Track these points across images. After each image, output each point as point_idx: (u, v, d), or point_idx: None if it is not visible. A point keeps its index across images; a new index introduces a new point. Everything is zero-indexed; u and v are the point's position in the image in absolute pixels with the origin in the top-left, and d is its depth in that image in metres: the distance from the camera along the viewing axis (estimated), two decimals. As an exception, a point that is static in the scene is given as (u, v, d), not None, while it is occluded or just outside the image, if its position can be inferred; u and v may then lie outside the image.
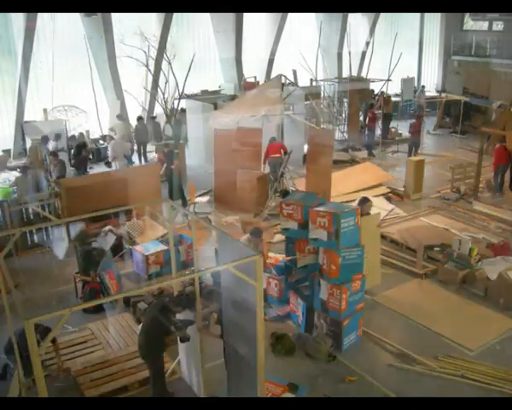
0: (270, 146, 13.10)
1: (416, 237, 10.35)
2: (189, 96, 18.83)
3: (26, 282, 9.23)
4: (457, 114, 20.57)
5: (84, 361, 7.15)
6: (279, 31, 21.48)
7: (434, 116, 22.75)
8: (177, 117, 17.58)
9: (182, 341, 5.84)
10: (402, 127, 20.14)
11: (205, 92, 19.81)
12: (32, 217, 10.90)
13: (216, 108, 16.52)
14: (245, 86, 20.03)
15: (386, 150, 18.30)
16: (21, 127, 16.48)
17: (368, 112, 19.16)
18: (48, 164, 13.22)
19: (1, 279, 5.75)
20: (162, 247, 9.79)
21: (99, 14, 17.36)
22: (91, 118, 18.31)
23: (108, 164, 15.75)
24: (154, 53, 18.07)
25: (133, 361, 7.08)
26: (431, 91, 26.75)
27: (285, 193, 9.14)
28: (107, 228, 10.32)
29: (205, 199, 12.85)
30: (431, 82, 27.96)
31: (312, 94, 17.59)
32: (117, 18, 17.95)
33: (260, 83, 20.29)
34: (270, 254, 9.47)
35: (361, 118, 19.99)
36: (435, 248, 10.09)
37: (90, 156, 17.27)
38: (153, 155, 17.28)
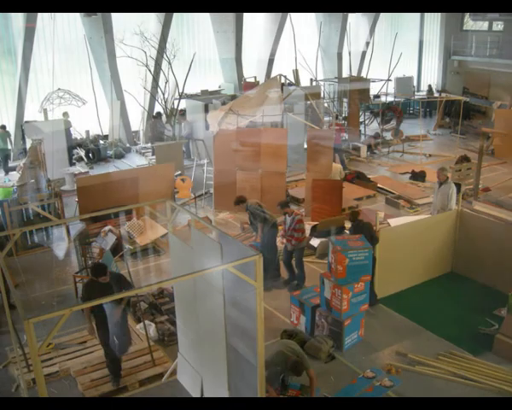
0: None
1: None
2: (188, 96, 18.83)
3: (26, 282, 9.24)
4: (457, 114, 20.56)
5: (84, 361, 7.15)
6: (279, 31, 21.48)
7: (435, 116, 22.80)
8: (176, 117, 17.60)
9: None
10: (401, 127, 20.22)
11: (205, 92, 19.81)
12: (31, 217, 10.91)
13: (207, 109, 16.50)
14: (245, 86, 20.02)
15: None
16: (21, 127, 16.49)
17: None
18: None
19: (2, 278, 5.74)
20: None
21: (99, 14, 17.37)
22: (91, 117, 18.33)
23: None
24: (154, 53, 18.08)
25: (133, 361, 7.08)
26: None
27: (283, 203, 9.06)
28: (107, 228, 10.33)
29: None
30: (431, 82, 27.95)
31: (312, 94, 17.59)
32: (117, 18, 17.96)
33: (260, 83, 20.29)
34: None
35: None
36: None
37: (90, 156, 17.32)
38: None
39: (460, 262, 9.17)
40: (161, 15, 18.44)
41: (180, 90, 17.62)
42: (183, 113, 18.08)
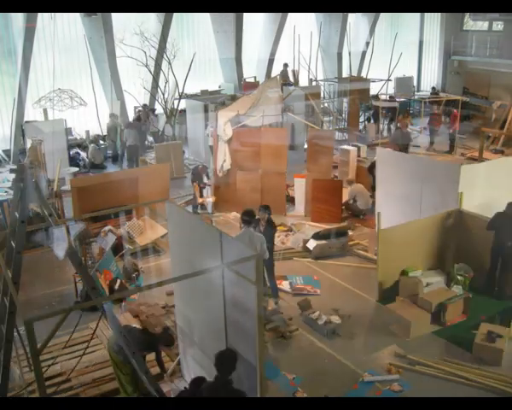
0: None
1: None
2: (188, 96, 18.84)
3: (26, 282, 9.23)
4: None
5: (86, 361, 7.14)
6: (279, 31, 21.49)
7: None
8: (176, 117, 17.62)
9: None
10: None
11: (205, 92, 19.81)
12: (31, 217, 10.89)
13: (207, 110, 16.50)
14: (245, 86, 20.04)
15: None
16: (21, 127, 16.48)
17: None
18: None
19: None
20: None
21: (99, 14, 17.37)
22: (90, 116, 18.34)
23: None
24: (154, 53, 18.08)
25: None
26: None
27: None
28: (107, 228, 10.32)
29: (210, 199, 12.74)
30: (431, 82, 27.96)
31: (312, 94, 17.60)
32: (117, 18, 17.96)
33: (261, 83, 20.30)
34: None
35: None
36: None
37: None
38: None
39: (460, 262, 9.17)
40: (161, 15, 18.44)
41: (180, 90, 17.63)
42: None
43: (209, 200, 12.44)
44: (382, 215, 8.53)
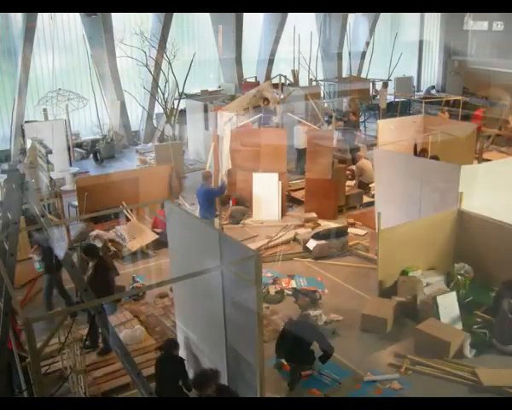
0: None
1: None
2: (188, 96, 18.83)
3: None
4: (457, 115, 20.52)
5: (86, 360, 7.14)
6: (279, 31, 21.49)
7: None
8: (176, 117, 17.60)
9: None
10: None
11: (205, 92, 19.81)
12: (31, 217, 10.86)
13: (207, 109, 16.50)
14: (245, 86, 20.03)
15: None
16: (21, 127, 16.48)
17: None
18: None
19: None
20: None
21: (99, 14, 17.37)
22: (91, 117, 18.36)
23: None
24: (154, 53, 18.08)
25: (135, 359, 7.06)
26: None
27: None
28: (95, 233, 10.25)
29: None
30: (431, 82, 27.96)
31: (312, 94, 17.58)
32: (117, 18, 17.96)
33: (261, 83, 20.29)
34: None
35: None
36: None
37: (98, 156, 17.32)
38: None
39: (460, 262, 9.16)
40: (161, 15, 18.44)
41: (180, 90, 17.62)
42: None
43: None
44: (382, 215, 8.53)
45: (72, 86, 17.52)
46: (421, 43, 28.06)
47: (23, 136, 16.00)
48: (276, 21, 21.31)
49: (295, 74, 20.14)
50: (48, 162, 10.99)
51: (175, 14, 19.24)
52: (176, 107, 17.85)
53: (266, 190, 12.17)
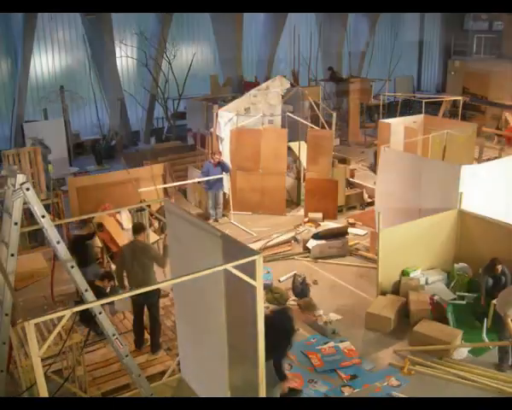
0: None
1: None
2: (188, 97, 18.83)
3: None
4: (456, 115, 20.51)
5: (87, 360, 7.13)
6: (279, 31, 21.47)
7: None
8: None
9: None
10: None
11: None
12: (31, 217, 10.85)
13: (207, 110, 16.47)
14: (244, 86, 20.02)
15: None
16: (21, 127, 16.49)
17: None
18: None
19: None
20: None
21: (99, 14, 17.36)
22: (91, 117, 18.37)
23: None
24: (154, 53, 18.09)
25: (135, 359, 7.06)
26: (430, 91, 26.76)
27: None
28: None
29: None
30: (431, 82, 27.97)
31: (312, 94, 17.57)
32: (117, 18, 17.96)
33: (261, 83, 20.27)
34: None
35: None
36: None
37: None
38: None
39: (460, 262, 9.17)
40: (161, 15, 18.45)
41: (180, 91, 17.63)
42: None
43: None
44: (382, 215, 8.53)
45: (73, 86, 17.51)
46: (421, 43, 28.07)
47: (23, 136, 16.03)
48: (276, 21, 21.29)
49: (295, 74, 20.14)
50: (48, 162, 10.98)
51: (175, 14, 19.25)
52: (176, 107, 17.88)
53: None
